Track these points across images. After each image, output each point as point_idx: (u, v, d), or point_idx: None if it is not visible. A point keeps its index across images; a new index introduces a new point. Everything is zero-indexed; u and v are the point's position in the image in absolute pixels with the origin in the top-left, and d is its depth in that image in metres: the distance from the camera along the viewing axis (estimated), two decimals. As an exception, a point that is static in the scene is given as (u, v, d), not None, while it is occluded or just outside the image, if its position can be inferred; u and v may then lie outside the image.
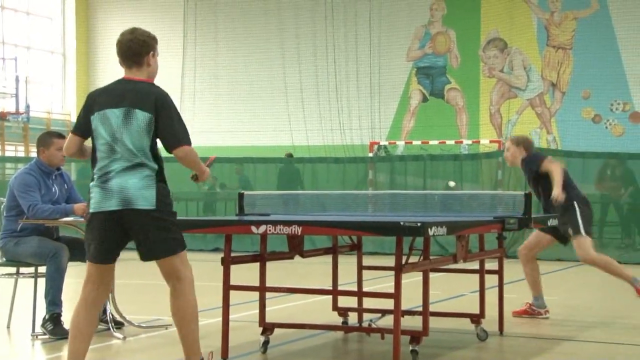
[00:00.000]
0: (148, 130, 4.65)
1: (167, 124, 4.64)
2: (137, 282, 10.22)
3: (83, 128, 4.83)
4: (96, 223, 4.74)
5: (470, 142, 20.10)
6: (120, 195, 4.63)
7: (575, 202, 7.18)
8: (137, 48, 4.80)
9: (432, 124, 21.30)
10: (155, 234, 4.66)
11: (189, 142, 4.69)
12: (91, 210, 4.74)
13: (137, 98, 4.68)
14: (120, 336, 6.54)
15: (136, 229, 4.67)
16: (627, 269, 7.50)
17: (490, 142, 19.67)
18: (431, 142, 19.56)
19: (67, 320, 6.62)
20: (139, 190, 4.62)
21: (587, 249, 7.17)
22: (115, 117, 4.68)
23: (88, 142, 4.90)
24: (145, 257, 4.77)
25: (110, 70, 24.20)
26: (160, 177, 4.71)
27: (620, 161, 14.58)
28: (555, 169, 7.10)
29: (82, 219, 6.65)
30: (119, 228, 4.69)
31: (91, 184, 4.77)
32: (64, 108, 23.76)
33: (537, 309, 7.37)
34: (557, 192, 6.97)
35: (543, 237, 7.40)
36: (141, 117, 4.65)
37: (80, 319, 4.73)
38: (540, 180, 7.25)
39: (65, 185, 7.01)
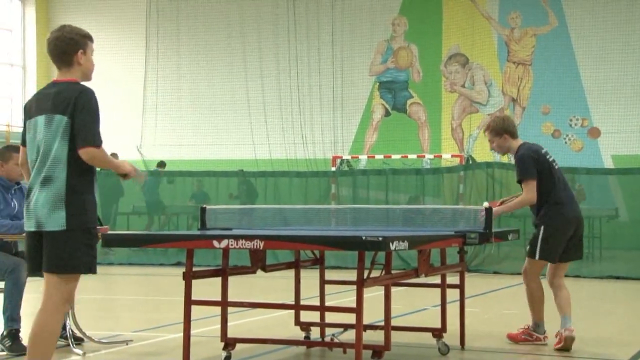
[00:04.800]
0: (63, 135, 4.43)
1: (78, 124, 4.41)
2: (97, 298, 10.12)
3: (24, 137, 4.67)
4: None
5: (432, 156, 20.24)
6: (34, 215, 4.51)
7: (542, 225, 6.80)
8: (63, 47, 4.56)
9: (394, 138, 21.42)
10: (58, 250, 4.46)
11: (96, 144, 4.42)
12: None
13: (57, 101, 4.46)
14: (80, 352, 6.47)
15: (47, 246, 4.52)
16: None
17: (452, 156, 19.82)
18: (393, 157, 19.66)
19: (25, 336, 6.54)
20: (47, 211, 4.43)
21: (533, 272, 6.90)
22: (40, 125, 4.51)
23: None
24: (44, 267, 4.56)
25: (71, 82, 24.02)
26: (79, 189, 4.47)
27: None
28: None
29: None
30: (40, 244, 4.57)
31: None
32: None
33: (564, 327, 6.77)
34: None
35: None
36: (58, 121, 4.45)
37: None
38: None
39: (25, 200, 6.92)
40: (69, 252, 4.46)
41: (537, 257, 6.88)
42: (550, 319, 7.25)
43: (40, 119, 4.51)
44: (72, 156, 4.44)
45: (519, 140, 6.98)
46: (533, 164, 6.76)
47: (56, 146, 4.44)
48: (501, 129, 6.89)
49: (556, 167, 6.98)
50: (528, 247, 7.00)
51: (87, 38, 4.64)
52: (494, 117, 7.11)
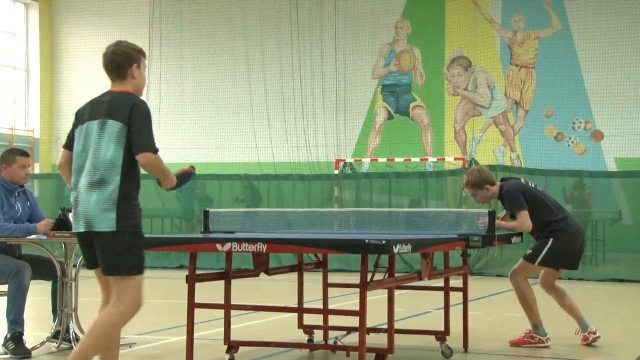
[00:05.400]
0: (118, 141, 4.59)
1: (135, 132, 4.59)
2: (101, 301, 10.10)
3: (72, 143, 4.81)
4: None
5: (435, 159, 20.23)
6: (84, 216, 4.61)
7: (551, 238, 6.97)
8: (120, 60, 4.78)
9: (397, 142, 21.41)
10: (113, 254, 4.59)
11: (153, 150, 4.59)
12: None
13: (112, 108, 4.65)
14: (84, 355, 6.46)
15: (98, 248, 4.65)
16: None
17: (455, 159, 19.81)
18: (397, 160, 19.65)
19: (29, 339, 6.56)
20: (98, 212, 4.56)
21: (523, 274, 7.06)
22: (93, 130, 4.67)
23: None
24: (104, 272, 4.70)
25: (75, 86, 24.05)
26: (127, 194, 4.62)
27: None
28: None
29: (46, 237, 6.59)
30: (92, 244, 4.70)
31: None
32: (27, 125, 23.53)
33: (587, 330, 7.06)
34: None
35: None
36: (113, 127, 4.61)
37: None
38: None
39: (29, 203, 6.94)
40: (121, 253, 4.57)
41: (537, 263, 7.01)
42: (551, 322, 7.26)
43: (94, 124, 4.68)
44: (127, 162, 4.60)
45: (498, 184, 7.12)
46: (521, 196, 6.96)
47: (112, 151, 4.59)
48: (481, 181, 7.04)
49: (541, 189, 7.24)
50: (529, 252, 7.06)
51: (141, 54, 4.92)
52: (468, 173, 7.26)
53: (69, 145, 4.85)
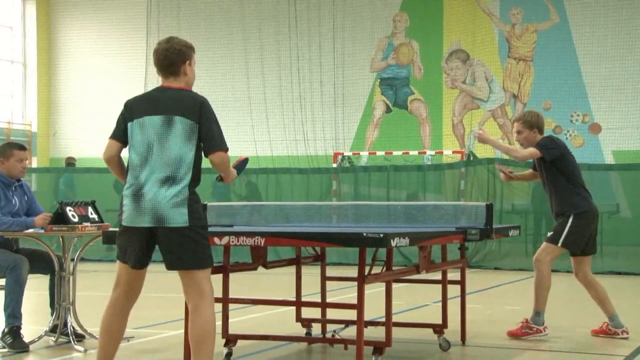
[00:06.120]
0: (189, 138, 4.60)
1: (208, 130, 4.62)
2: (99, 295, 10.10)
3: (122, 134, 4.74)
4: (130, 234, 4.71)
5: (433, 152, 20.23)
6: (152, 212, 4.56)
7: (571, 215, 6.98)
8: (172, 57, 4.75)
9: (395, 135, 21.41)
10: (184, 247, 4.61)
11: (226, 148, 4.68)
12: (123, 224, 4.69)
13: (177, 104, 4.64)
14: (82, 349, 6.48)
15: (169, 243, 4.63)
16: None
17: (453, 152, 19.81)
18: (395, 153, 19.65)
19: (26, 333, 6.56)
20: (170, 207, 4.55)
21: (547, 257, 7.12)
22: (155, 125, 4.64)
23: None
24: (171, 267, 4.70)
25: (72, 79, 24.02)
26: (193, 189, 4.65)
27: None
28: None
29: (43, 231, 6.59)
30: (152, 240, 4.67)
31: (123, 193, 4.70)
32: (24, 118, 23.50)
33: (613, 329, 7.16)
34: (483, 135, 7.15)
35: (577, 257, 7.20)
36: (182, 123, 4.61)
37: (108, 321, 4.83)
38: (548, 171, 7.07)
39: (26, 197, 6.93)
40: (195, 247, 4.60)
41: (560, 243, 6.99)
42: (551, 314, 7.26)
43: (155, 119, 4.64)
44: (197, 159, 4.64)
45: (543, 135, 7.23)
46: (557, 150, 7.03)
47: (183, 148, 4.61)
48: (535, 124, 7.15)
49: None
50: (551, 233, 7.09)
51: (192, 50, 4.87)
52: (529, 110, 7.43)
53: (119, 136, 4.75)
